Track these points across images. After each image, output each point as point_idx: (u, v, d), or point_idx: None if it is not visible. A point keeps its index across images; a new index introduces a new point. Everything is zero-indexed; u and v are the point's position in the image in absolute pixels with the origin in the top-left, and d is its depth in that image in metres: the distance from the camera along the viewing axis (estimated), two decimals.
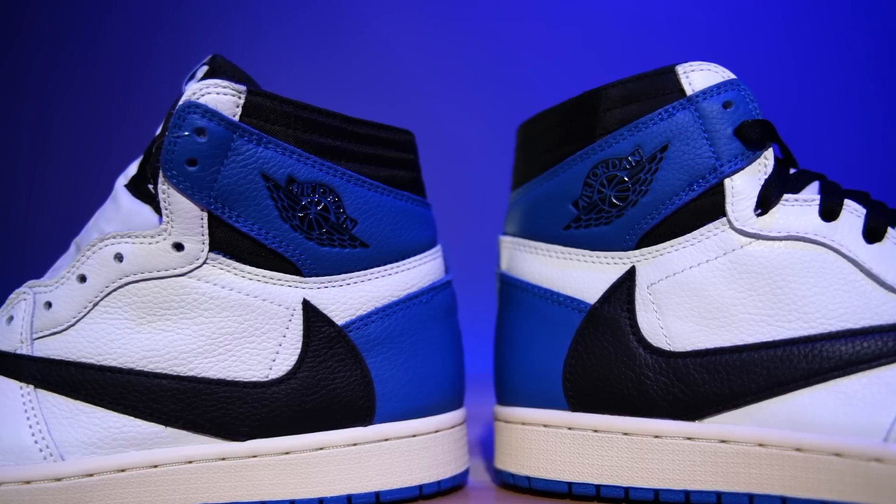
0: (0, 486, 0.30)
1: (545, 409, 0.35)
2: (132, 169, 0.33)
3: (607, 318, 0.33)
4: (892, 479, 0.27)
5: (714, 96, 0.32)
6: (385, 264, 0.35)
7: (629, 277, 0.33)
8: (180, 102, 0.31)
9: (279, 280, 0.32)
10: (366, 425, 0.34)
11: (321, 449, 0.33)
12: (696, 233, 0.32)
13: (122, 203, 0.32)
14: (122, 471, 0.31)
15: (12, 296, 0.33)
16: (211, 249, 0.32)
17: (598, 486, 0.33)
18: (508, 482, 0.37)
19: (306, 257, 0.33)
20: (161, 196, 0.31)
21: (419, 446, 0.34)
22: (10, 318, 0.32)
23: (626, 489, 0.33)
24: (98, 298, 0.31)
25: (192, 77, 0.33)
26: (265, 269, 0.32)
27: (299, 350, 0.33)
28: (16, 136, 1.00)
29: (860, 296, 0.30)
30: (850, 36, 0.96)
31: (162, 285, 0.31)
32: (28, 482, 0.30)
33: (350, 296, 0.34)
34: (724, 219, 0.32)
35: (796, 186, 0.32)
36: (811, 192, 0.32)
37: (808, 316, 0.30)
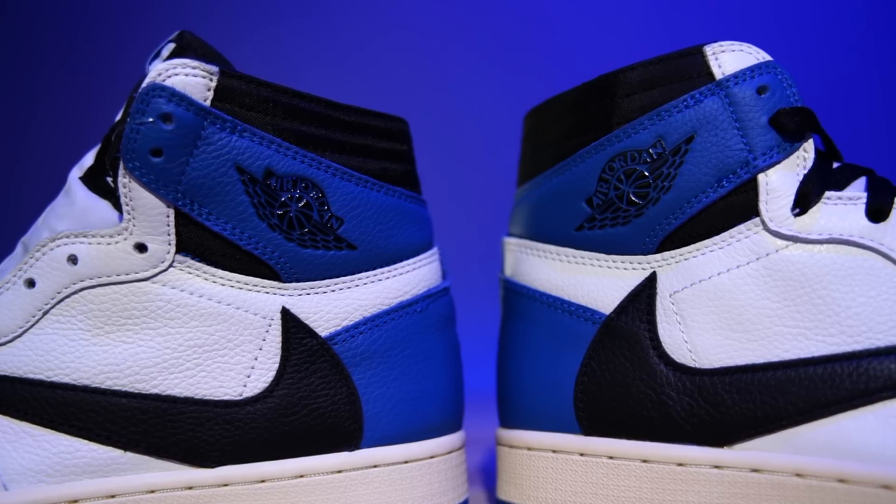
0: None
1: (554, 432, 0.35)
2: (88, 160, 0.33)
3: (624, 330, 0.33)
4: None
5: (747, 80, 0.32)
6: (375, 269, 0.34)
7: (649, 285, 0.33)
8: (143, 84, 0.31)
9: (255, 286, 0.32)
10: (352, 450, 0.33)
11: (301, 477, 0.33)
12: (725, 235, 0.32)
13: (76, 198, 0.32)
14: (75, 502, 0.31)
15: None
16: (178, 251, 0.31)
17: None
18: None
19: (286, 260, 0.32)
20: (121, 190, 0.31)
21: (412, 474, 0.34)
22: None
23: None
24: (49, 306, 0.31)
25: (156, 56, 0.33)
26: (239, 273, 0.32)
27: (277, 365, 0.32)
28: None
29: None
30: None
31: (122, 291, 0.31)
32: None
33: (335, 304, 0.33)
34: (758, 219, 0.32)
35: (840, 183, 0.32)
36: (857, 190, 0.32)
37: (852, 329, 0.30)
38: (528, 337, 0.37)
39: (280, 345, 0.32)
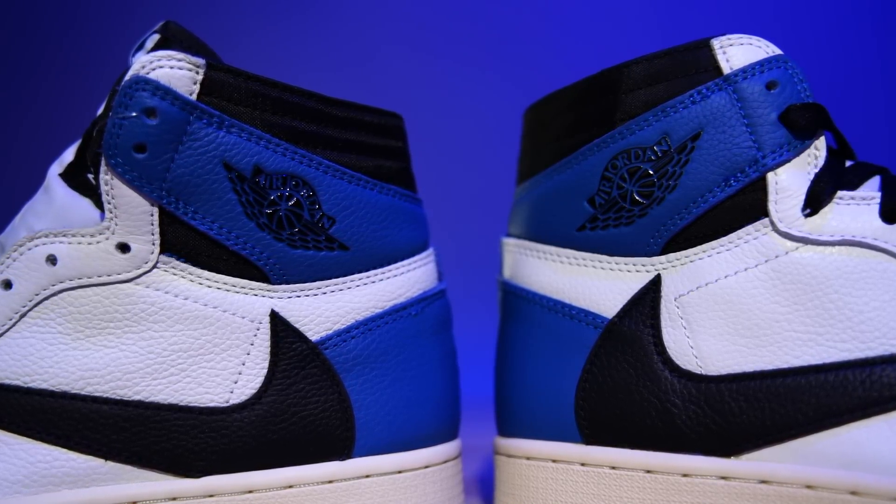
0: None
1: (554, 441, 0.35)
2: (68, 156, 0.33)
3: (628, 334, 0.33)
4: None
5: (756, 75, 0.32)
6: (367, 270, 0.34)
7: (653, 287, 0.33)
8: (127, 77, 0.31)
9: (243, 288, 0.32)
10: (343, 459, 0.33)
11: (290, 487, 0.33)
12: (732, 236, 0.32)
13: (55, 195, 0.32)
14: None
15: None
16: (162, 251, 0.31)
17: None
18: None
19: (275, 261, 0.32)
20: (103, 188, 0.31)
21: (406, 484, 0.34)
22: None
23: None
24: (26, 308, 0.31)
25: (140, 47, 0.33)
26: (226, 274, 0.32)
27: (266, 370, 0.32)
28: None
29: None
30: None
31: (103, 293, 0.31)
32: None
33: (326, 307, 0.33)
34: (766, 220, 0.32)
35: (853, 182, 0.32)
36: (870, 189, 0.32)
37: (865, 335, 0.30)
38: (528, 341, 0.36)
39: (269, 349, 0.32)
